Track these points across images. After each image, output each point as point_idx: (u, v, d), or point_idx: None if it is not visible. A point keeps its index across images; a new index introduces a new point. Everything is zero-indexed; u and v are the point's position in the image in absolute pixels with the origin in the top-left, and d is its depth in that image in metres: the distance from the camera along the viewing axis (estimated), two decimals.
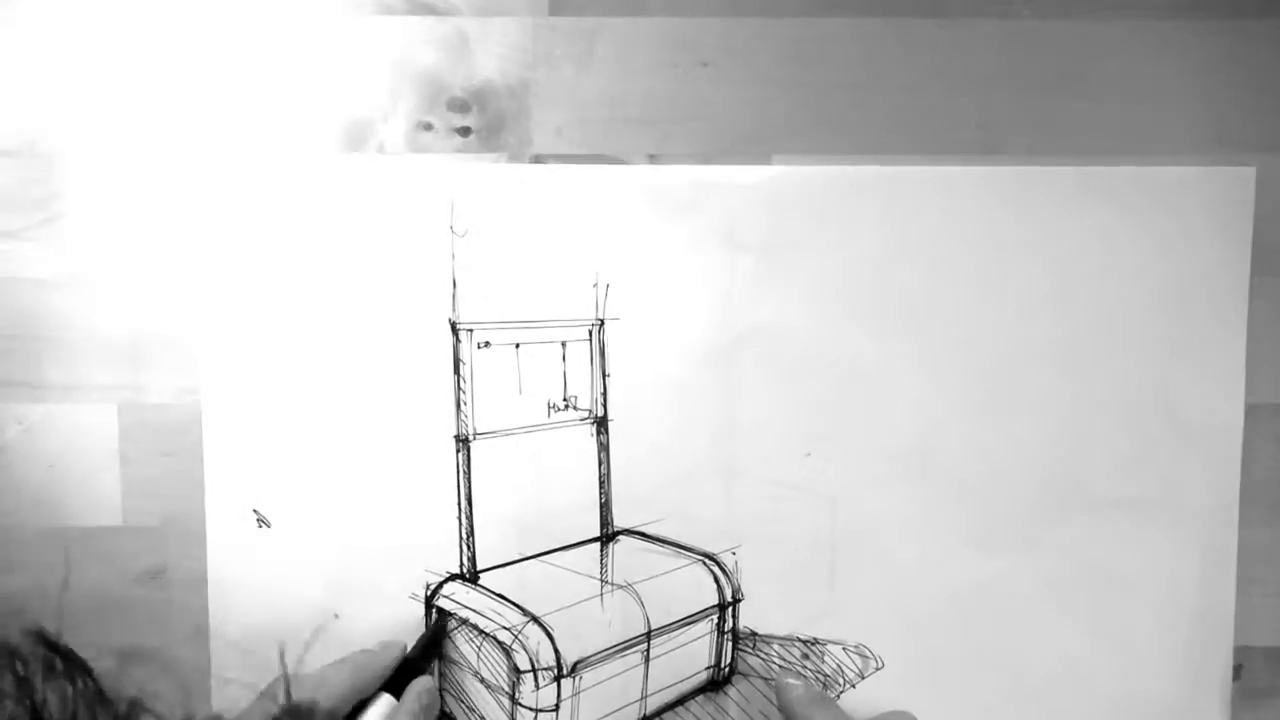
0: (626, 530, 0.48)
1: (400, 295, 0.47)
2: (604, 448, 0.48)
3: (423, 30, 0.47)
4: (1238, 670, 0.49)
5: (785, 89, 0.48)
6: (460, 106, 0.47)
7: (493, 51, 0.47)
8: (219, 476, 0.47)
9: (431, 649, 0.47)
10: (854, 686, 0.48)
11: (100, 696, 0.38)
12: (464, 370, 0.47)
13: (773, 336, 0.48)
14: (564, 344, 0.48)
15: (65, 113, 0.47)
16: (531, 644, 0.45)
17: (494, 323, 0.47)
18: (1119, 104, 0.48)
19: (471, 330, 0.47)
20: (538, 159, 0.47)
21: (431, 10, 0.47)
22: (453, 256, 0.47)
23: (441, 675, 0.48)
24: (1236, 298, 0.48)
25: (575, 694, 0.46)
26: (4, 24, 0.47)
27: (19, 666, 0.37)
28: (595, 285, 0.47)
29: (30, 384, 0.48)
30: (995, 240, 0.48)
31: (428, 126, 0.47)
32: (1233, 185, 0.48)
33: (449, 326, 0.47)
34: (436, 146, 0.47)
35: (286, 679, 0.42)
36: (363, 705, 0.43)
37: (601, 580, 0.48)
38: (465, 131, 0.47)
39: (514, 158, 0.47)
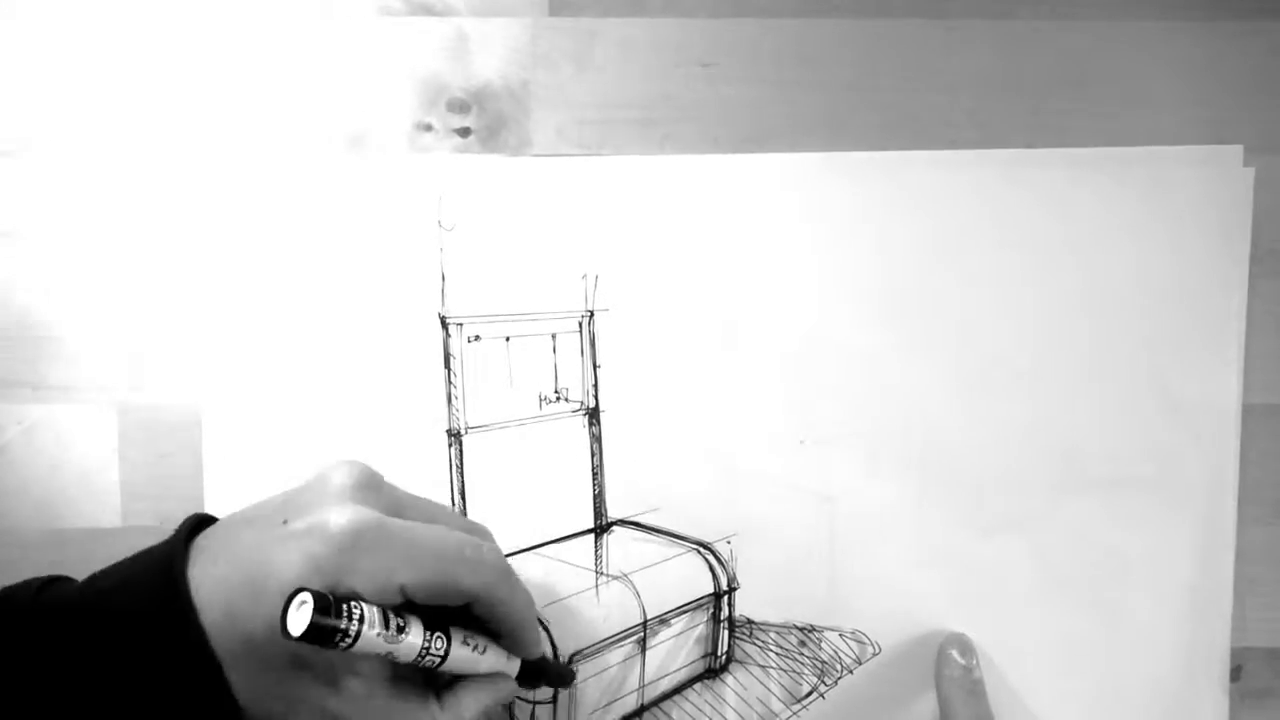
0: (620, 521, 0.48)
1: (391, 292, 0.47)
2: (596, 439, 0.48)
3: (422, 31, 0.47)
4: (1237, 671, 0.49)
5: (785, 89, 0.48)
6: (460, 107, 0.47)
7: (493, 51, 0.47)
8: (218, 476, 0.47)
9: (550, 677, 0.42)
10: (851, 673, 0.49)
11: None
12: (454, 364, 0.47)
13: (764, 326, 0.48)
14: (554, 336, 0.48)
15: (64, 113, 0.47)
16: None
17: (483, 316, 0.47)
18: (1117, 104, 0.48)
19: (461, 324, 0.47)
20: (538, 160, 0.48)
21: (431, 11, 0.47)
22: (440, 250, 0.47)
23: None
24: (1234, 295, 0.48)
25: (572, 685, 0.46)
26: (3, 23, 0.47)
27: None
28: (584, 277, 0.47)
29: (30, 384, 0.48)
30: (992, 230, 0.48)
31: (427, 127, 0.47)
32: (1230, 186, 0.47)
33: (439, 321, 0.47)
34: (436, 147, 0.47)
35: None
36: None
37: (596, 571, 0.48)
38: (465, 132, 0.48)
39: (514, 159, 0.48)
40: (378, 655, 0.33)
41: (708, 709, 0.49)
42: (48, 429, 0.48)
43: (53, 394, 0.48)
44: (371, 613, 0.33)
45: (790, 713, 0.49)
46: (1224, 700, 0.49)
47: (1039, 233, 0.48)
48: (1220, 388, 0.48)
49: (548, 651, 0.43)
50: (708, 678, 0.49)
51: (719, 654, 0.49)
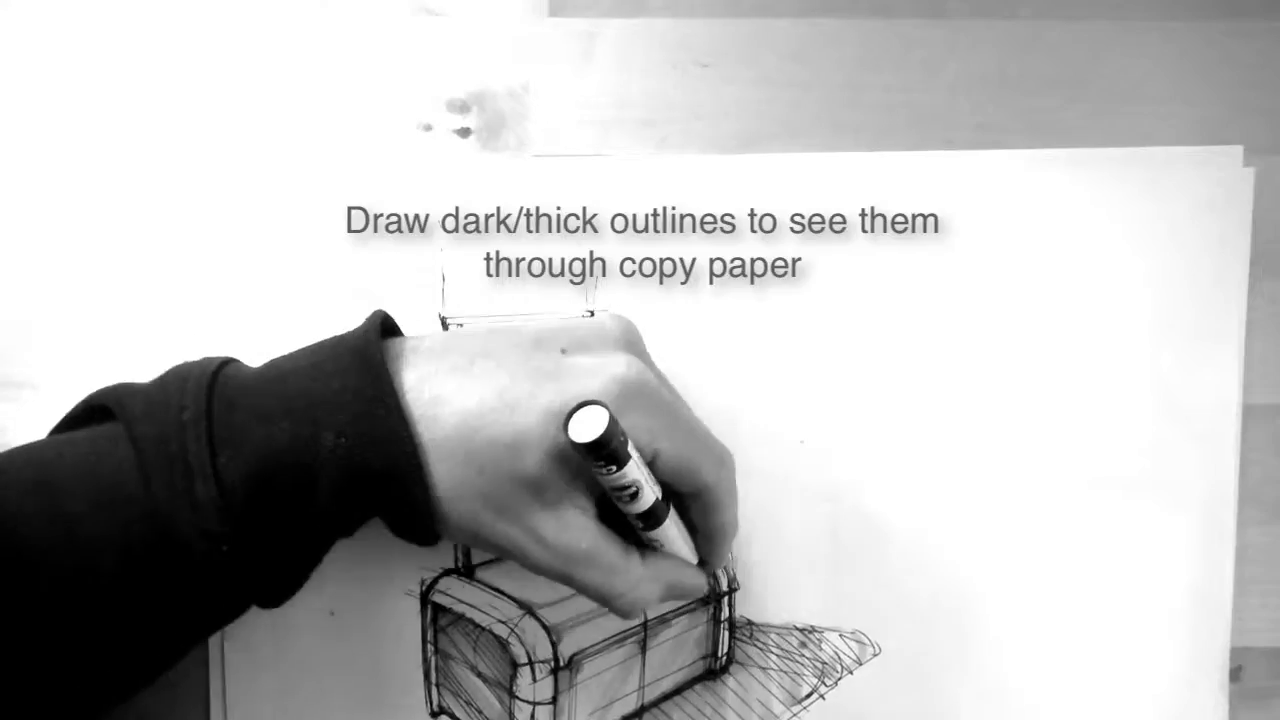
0: None
1: (391, 292, 0.47)
2: None
3: (422, 31, 0.47)
4: (1237, 671, 0.49)
5: (785, 89, 0.48)
6: (460, 107, 0.47)
7: (493, 52, 0.47)
8: None
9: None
10: (851, 673, 0.49)
11: None
12: None
13: (764, 326, 0.48)
14: None
15: (60, 113, 0.47)
16: (528, 637, 0.45)
17: (483, 316, 0.47)
18: (1117, 104, 0.48)
19: (461, 324, 0.47)
20: (538, 160, 0.47)
21: (431, 11, 0.47)
22: (440, 250, 0.47)
23: (438, 670, 0.48)
24: (1234, 295, 0.48)
25: (572, 686, 0.46)
26: (4, 25, 0.47)
27: None
28: (584, 277, 0.47)
29: (30, 384, 0.48)
30: (991, 230, 0.48)
31: (427, 127, 0.47)
32: (1230, 186, 0.47)
33: (439, 322, 0.47)
34: (436, 147, 0.47)
35: None
36: None
37: None
38: (465, 132, 0.47)
39: (514, 159, 0.48)
40: (606, 493, 0.36)
41: (708, 710, 0.49)
42: (46, 429, 0.48)
43: (53, 394, 0.48)
44: (635, 453, 0.35)
45: (790, 714, 0.49)
46: (1224, 700, 0.49)
47: (1038, 233, 0.48)
48: (1220, 388, 0.48)
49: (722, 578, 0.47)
50: (708, 679, 0.49)
51: (719, 655, 0.49)
